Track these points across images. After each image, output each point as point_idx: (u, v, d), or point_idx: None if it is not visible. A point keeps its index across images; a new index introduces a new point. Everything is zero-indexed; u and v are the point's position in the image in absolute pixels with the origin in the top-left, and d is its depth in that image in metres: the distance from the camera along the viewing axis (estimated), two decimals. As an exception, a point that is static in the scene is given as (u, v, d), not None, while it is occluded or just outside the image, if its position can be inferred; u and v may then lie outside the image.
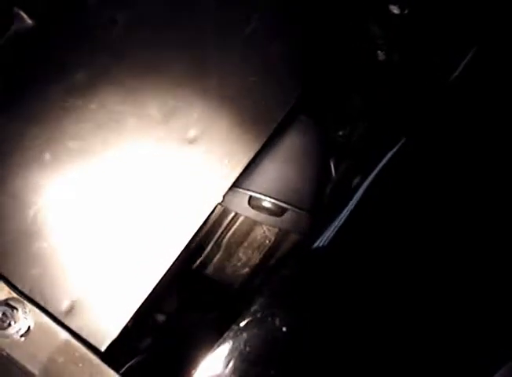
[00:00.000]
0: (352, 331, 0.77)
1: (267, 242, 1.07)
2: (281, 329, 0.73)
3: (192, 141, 0.81)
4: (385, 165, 0.81)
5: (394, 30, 0.90)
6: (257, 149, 0.83)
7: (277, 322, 0.73)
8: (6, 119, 0.81)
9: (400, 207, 0.81)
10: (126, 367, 0.83)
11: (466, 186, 0.80)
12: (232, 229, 1.06)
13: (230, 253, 1.07)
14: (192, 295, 1.04)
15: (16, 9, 0.82)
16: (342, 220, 0.80)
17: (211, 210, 0.80)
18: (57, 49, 0.84)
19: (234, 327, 0.73)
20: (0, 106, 0.82)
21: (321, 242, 0.80)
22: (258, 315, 0.74)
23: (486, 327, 0.76)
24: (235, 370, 0.72)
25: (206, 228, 1.04)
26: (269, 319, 0.74)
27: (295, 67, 0.86)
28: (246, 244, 1.07)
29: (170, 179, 0.80)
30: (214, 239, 1.06)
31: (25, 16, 0.83)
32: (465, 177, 0.81)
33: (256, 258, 1.07)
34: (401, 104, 0.90)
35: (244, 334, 0.73)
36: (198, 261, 1.05)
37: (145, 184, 0.80)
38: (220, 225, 1.05)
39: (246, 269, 1.07)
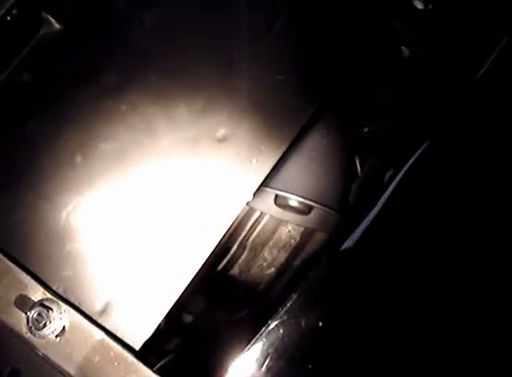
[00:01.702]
0: (383, 329, 0.77)
1: (292, 241, 1.07)
2: (317, 324, 0.73)
3: (221, 141, 0.81)
4: (413, 163, 0.80)
5: (418, 25, 0.89)
6: (284, 148, 0.83)
7: (313, 318, 0.73)
8: (38, 123, 0.82)
9: (429, 207, 0.81)
10: (158, 367, 0.84)
11: (495, 185, 0.80)
12: (258, 229, 1.06)
13: (255, 253, 1.07)
14: (219, 296, 1.04)
15: (44, 14, 0.83)
16: (371, 220, 0.80)
17: (240, 209, 0.80)
18: (86, 52, 0.85)
19: (269, 324, 0.73)
20: (31, 109, 0.83)
21: (350, 242, 0.80)
22: (293, 313, 0.74)
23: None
24: (270, 368, 0.72)
25: (231, 229, 1.05)
26: (304, 316, 0.74)
27: (322, 66, 0.86)
28: (271, 244, 1.07)
29: (200, 179, 0.80)
30: (240, 240, 1.06)
31: (53, 20, 0.84)
32: (493, 175, 0.80)
33: (282, 258, 1.07)
34: (427, 101, 0.90)
35: (280, 332, 0.73)
36: (224, 262, 1.05)
37: (176, 185, 0.80)
38: (245, 224, 1.05)
39: (272, 269, 1.07)
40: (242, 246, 1.06)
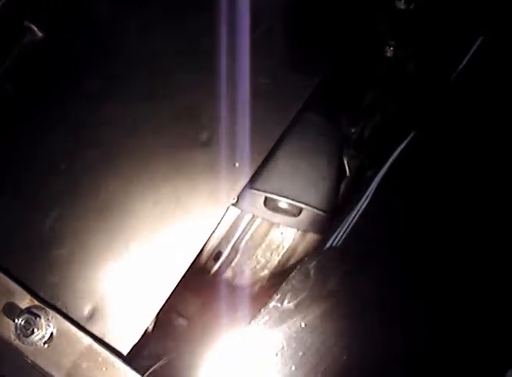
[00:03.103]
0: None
1: (285, 243, 1.07)
2: (300, 326, 0.73)
3: (205, 144, 0.82)
4: (395, 159, 0.81)
5: (401, 25, 0.90)
6: (267, 151, 0.83)
7: (297, 320, 0.73)
8: (22, 131, 0.82)
9: (412, 200, 0.81)
10: (150, 371, 0.84)
11: (476, 176, 0.80)
12: (250, 232, 1.06)
13: (248, 256, 1.07)
14: (212, 299, 1.04)
15: (26, 23, 0.84)
16: (356, 216, 0.80)
17: (224, 211, 0.80)
18: (69, 59, 0.86)
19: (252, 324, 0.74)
20: (15, 118, 0.83)
21: (336, 239, 0.80)
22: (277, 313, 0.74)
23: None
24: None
25: (223, 233, 1.05)
26: (289, 317, 0.74)
27: (306, 68, 0.86)
28: (264, 246, 1.07)
29: (185, 182, 0.81)
30: (232, 243, 1.06)
31: (36, 29, 0.84)
32: (473, 166, 0.81)
33: (274, 260, 1.07)
34: (410, 98, 0.90)
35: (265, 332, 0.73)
36: (217, 265, 1.06)
37: (161, 188, 0.81)
38: (237, 228, 1.05)
39: (266, 271, 1.07)
40: (235, 249, 1.06)
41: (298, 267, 0.77)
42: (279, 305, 0.75)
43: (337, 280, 0.79)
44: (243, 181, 0.80)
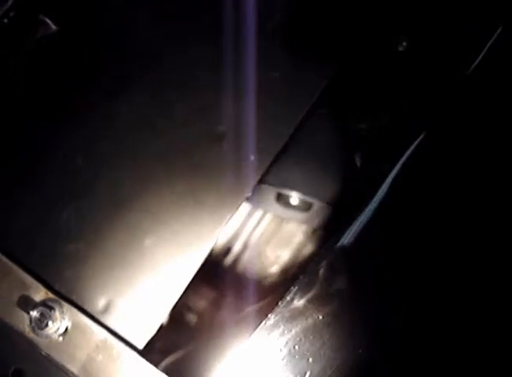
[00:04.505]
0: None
1: (295, 239, 1.07)
2: (318, 318, 0.73)
3: (220, 138, 0.82)
4: (408, 158, 0.81)
5: (412, 20, 0.90)
6: (281, 145, 0.83)
7: (313, 313, 0.74)
8: (37, 125, 0.82)
9: (425, 200, 0.81)
10: (162, 365, 0.84)
11: (491, 176, 0.80)
12: (260, 228, 1.07)
13: (259, 251, 1.07)
14: (223, 294, 1.05)
15: (41, 16, 0.84)
16: (369, 214, 0.80)
17: (239, 205, 0.80)
18: (84, 53, 0.85)
19: (268, 319, 0.74)
20: (30, 112, 0.83)
21: (347, 237, 0.80)
22: (292, 307, 0.74)
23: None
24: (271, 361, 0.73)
25: (233, 228, 1.05)
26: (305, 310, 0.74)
27: (318, 62, 0.86)
28: (274, 242, 1.08)
29: (200, 176, 0.81)
30: (242, 238, 1.06)
31: (50, 22, 0.84)
32: (488, 167, 0.81)
33: (285, 256, 1.07)
34: (422, 95, 0.90)
35: (280, 327, 0.73)
36: (227, 261, 1.06)
37: (176, 182, 0.81)
38: (247, 223, 1.05)
39: (276, 267, 1.07)
40: (245, 244, 1.07)
41: (311, 265, 0.77)
42: (294, 299, 0.75)
43: (348, 277, 0.79)
44: (258, 175, 0.80)
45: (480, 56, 0.78)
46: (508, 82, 0.81)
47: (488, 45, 0.78)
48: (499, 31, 0.79)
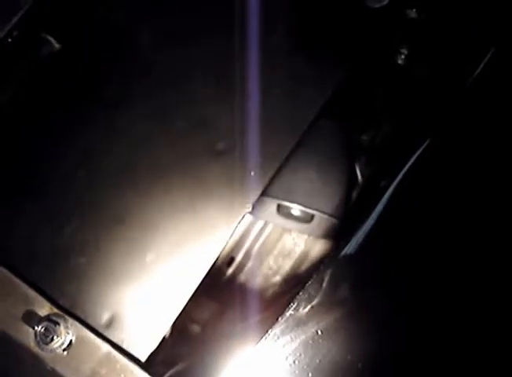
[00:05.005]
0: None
1: (297, 249, 1.08)
2: (317, 333, 0.74)
3: (220, 154, 0.82)
4: (411, 166, 0.81)
5: (412, 34, 0.91)
6: (281, 160, 0.83)
7: (315, 326, 0.74)
8: (39, 140, 0.84)
9: (428, 209, 0.81)
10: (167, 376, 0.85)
11: (493, 183, 0.81)
12: (262, 238, 1.07)
13: (261, 262, 1.08)
14: (225, 305, 1.05)
15: (44, 34, 0.85)
16: (371, 224, 0.81)
17: (239, 219, 0.81)
18: (85, 69, 0.87)
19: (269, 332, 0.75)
20: (33, 128, 0.84)
21: (350, 247, 0.81)
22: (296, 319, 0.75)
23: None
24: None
25: (235, 238, 1.06)
26: (306, 323, 0.75)
27: (319, 77, 0.87)
28: (276, 252, 1.08)
29: (200, 192, 0.81)
30: (245, 249, 1.07)
31: (53, 40, 0.85)
32: (489, 174, 0.81)
33: (287, 266, 1.08)
34: (423, 106, 0.91)
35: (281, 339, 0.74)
36: (229, 271, 1.07)
37: (176, 198, 0.81)
38: (249, 234, 1.06)
39: (278, 277, 1.08)
40: (247, 255, 1.08)
41: (314, 276, 0.78)
42: (293, 312, 0.76)
43: (349, 287, 0.80)
44: (259, 189, 0.81)
45: (477, 71, 0.79)
46: (505, 93, 0.81)
47: (482, 65, 0.80)
48: (491, 51, 0.80)
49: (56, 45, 0.86)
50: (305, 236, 1.06)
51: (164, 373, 0.87)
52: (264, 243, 1.08)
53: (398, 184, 0.81)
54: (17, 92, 0.85)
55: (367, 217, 0.81)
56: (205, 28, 0.89)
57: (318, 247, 1.07)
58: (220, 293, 1.05)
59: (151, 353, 0.76)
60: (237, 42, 0.87)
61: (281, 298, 1.05)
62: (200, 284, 0.80)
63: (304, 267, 1.08)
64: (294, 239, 1.08)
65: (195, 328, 1.03)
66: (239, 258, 1.07)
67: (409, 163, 0.81)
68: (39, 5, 0.81)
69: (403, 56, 0.92)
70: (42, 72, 0.86)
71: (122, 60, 0.87)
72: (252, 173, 0.81)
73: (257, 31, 0.87)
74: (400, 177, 0.81)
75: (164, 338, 0.79)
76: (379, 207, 0.81)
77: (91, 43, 0.88)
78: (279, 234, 1.08)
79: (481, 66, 0.79)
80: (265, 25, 0.87)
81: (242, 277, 1.08)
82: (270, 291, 1.07)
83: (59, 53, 0.86)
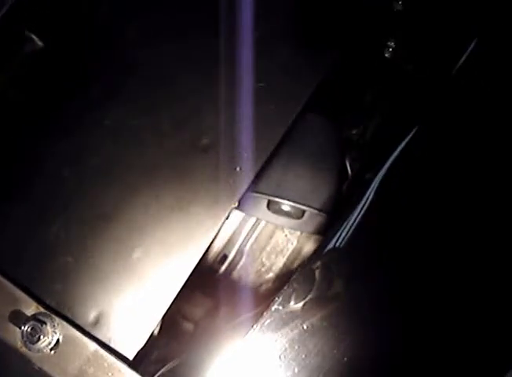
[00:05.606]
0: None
1: (289, 245, 1.07)
2: (302, 328, 0.74)
3: (205, 150, 0.82)
4: (396, 158, 0.81)
5: (398, 26, 0.90)
6: (268, 155, 0.83)
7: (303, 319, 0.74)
8: (24, 138, 0.83)
9: (414, 200, 0.81)
10: (157, 375, 0.85)
11: (477, 173, 0.81)
12: (254, 235, 1.07)
13: (253, 258, 1.08)
14: (218, 302, 1.05)
15: (27, 33, 0.85)
16: (358, 217, 0.81)
17: (226, 215, 0.81)
18: (70, 67, 0.86)
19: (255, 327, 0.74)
20: (18, 126, 0.84)
21: (339, 240, 0.81)
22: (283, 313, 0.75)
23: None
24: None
25: (228, 236, 1.06)
26: (295, 317, 0.74)
27: (304, 70, 0.87)
28: (268, 249, 1.08)
29: (186, 188, 0.81)
30: (237, 246, 1.07)
31: (36, 38, 0.85)
32: (474, 164, 0.81)
33: (280, 262, 1.08)
34: (410, 98, 0.91)
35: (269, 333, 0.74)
36: (222, 269, 1.06)
37: (162, 195, 0.81)
38: (242, 231, 1.06)
39: (271, 274, 1.08)
40: (240, 252, 1.07)
41: (300, 269, 0.77)
42: (281, 307, 0.75)
43: (341, 281, 0.79)
44: (245, 185, 0.81)
45: (461, 61, 0.79)
46: (490, 84, 0.81)
47: (468, 51, 0.79)
48: (474, 43, 0.80)
49: (39, 43, 0.85)
50: (298, 233, 1.05)
51: (155, 371, 0.87)
52: (256, 240, 1.07)
53: (385, 175, 0.81)
54: (1, 89, 0.85)
55: (354, 209, 0.81)
56: (190, 25, 0.88)
57: (311, 243, 1.06)
58: (213, 290, 1.05)
59: (140, 351, 0.76)
60: (223, 39, 0.86)
61: (274, 294, 1.05)
62: (191, 281, 0.79)
63: (297, 263, 1.07)
64: (286, 235, 1.08)
65: (188, 326, 1.03)
66: (231, 256, 1.07)
67: (394, 155, 0.81)
68: (21, 2, 0.81)
69: (390, 50, 0.92)
70: (26, 71, 0.86)
71: (107, 57, 0.87)
72: (238, 169, 0.81)
73: (242, 27, 0.87)
74: (385, 168, 0.81)
75: (153, 335, 0.79)
76: (366, 200, 0.81)
77: (76, 41, 0.87)
78: (272, 231, 1.07)
79: (465, 55, 0.79)
80: (250, 22, 0.87)
81: (235, 274, 1.07)
82: (263, 288, 1.07)
83: (42, 52, 0.86)
